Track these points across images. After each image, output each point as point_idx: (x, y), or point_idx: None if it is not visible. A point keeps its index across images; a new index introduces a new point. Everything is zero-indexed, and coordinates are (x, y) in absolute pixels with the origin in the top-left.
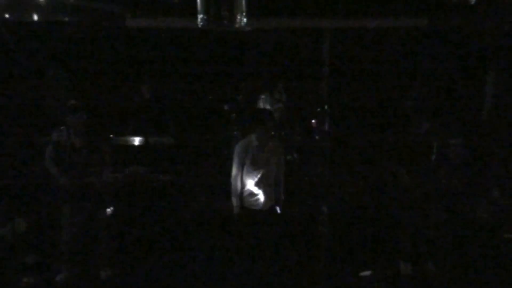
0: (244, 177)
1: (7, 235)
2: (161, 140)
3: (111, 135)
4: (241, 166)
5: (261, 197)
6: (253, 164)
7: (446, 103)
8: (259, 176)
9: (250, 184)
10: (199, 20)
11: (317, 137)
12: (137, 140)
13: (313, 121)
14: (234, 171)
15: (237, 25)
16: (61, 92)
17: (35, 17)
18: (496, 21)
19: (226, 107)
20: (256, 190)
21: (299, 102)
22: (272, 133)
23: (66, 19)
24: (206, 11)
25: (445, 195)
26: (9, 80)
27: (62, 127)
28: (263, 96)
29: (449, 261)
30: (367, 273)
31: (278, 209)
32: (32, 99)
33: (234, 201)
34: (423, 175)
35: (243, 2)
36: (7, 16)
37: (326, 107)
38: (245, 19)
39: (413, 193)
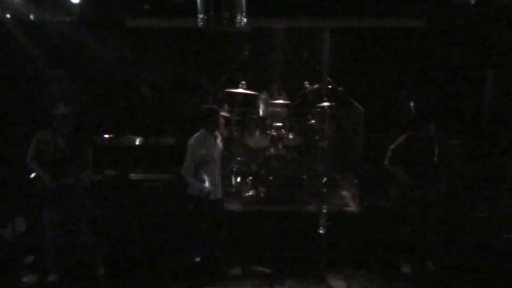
0: (200, 170)
1: (7, 235)
2: (161, 140)
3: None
4: (194, 160)
5: (218, 187)
6: (207, 157)
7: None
8: (213, 168)
9: (206, 175)
10: (199, 20)
11: (317, 137)
12: (137, 140)
13: (313, 121)
14: (187, 164)
15: (237, 25)
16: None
17: None
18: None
19: (225, 107)
20: (212, 181)
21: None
22: (269, 132)
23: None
24: (206, 11)
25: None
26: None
27: (47, 129)
28: (263, 96)
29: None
30: None
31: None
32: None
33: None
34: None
35: (243, 2)
36: None
37: (326, 107)
38: (245, 19)
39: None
